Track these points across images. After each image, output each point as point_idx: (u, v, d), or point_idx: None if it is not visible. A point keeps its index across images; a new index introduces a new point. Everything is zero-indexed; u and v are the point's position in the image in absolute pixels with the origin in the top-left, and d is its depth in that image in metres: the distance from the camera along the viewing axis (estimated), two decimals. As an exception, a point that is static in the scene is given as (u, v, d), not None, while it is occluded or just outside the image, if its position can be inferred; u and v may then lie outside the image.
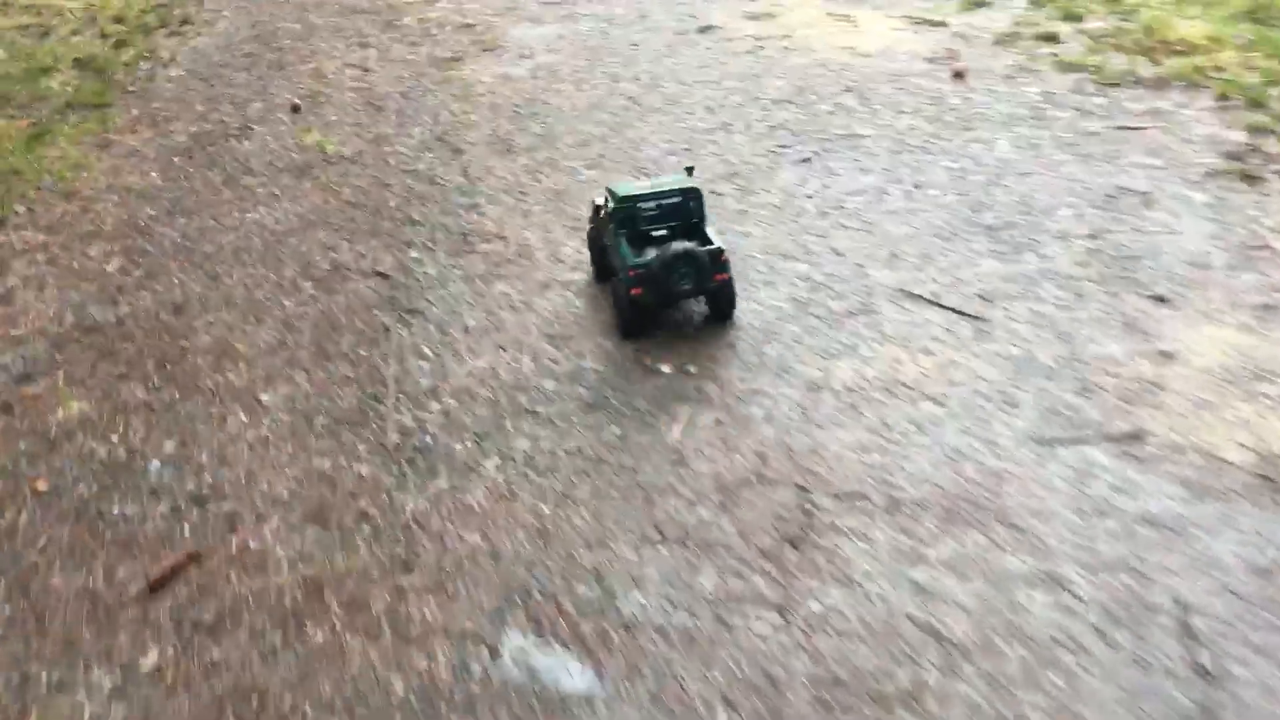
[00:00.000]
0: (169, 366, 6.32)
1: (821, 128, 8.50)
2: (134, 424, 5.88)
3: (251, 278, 7.08)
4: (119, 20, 12.33)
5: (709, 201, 6.74)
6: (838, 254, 6.81)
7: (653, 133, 8.43)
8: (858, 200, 7.40)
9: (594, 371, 5.92)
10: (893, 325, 6.11)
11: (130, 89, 10.49)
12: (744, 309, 6.22)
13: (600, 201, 5.53)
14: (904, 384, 5.66)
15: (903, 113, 8.63)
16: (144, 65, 11.11)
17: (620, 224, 4.96)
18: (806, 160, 7.95)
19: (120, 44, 11.63)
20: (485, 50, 10.68)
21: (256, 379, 6.10)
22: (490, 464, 5.35)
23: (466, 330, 6.34)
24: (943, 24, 10.60)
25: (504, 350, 6.13)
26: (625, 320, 4.93)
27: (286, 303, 6.77)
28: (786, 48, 10.21)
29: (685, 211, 5.06)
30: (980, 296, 6.29)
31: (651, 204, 4.92)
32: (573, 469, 5.27)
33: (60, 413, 6.00)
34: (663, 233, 4.92)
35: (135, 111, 10.02)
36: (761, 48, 10.24)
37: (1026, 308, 6.19)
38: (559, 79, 9.89)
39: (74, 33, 12.02)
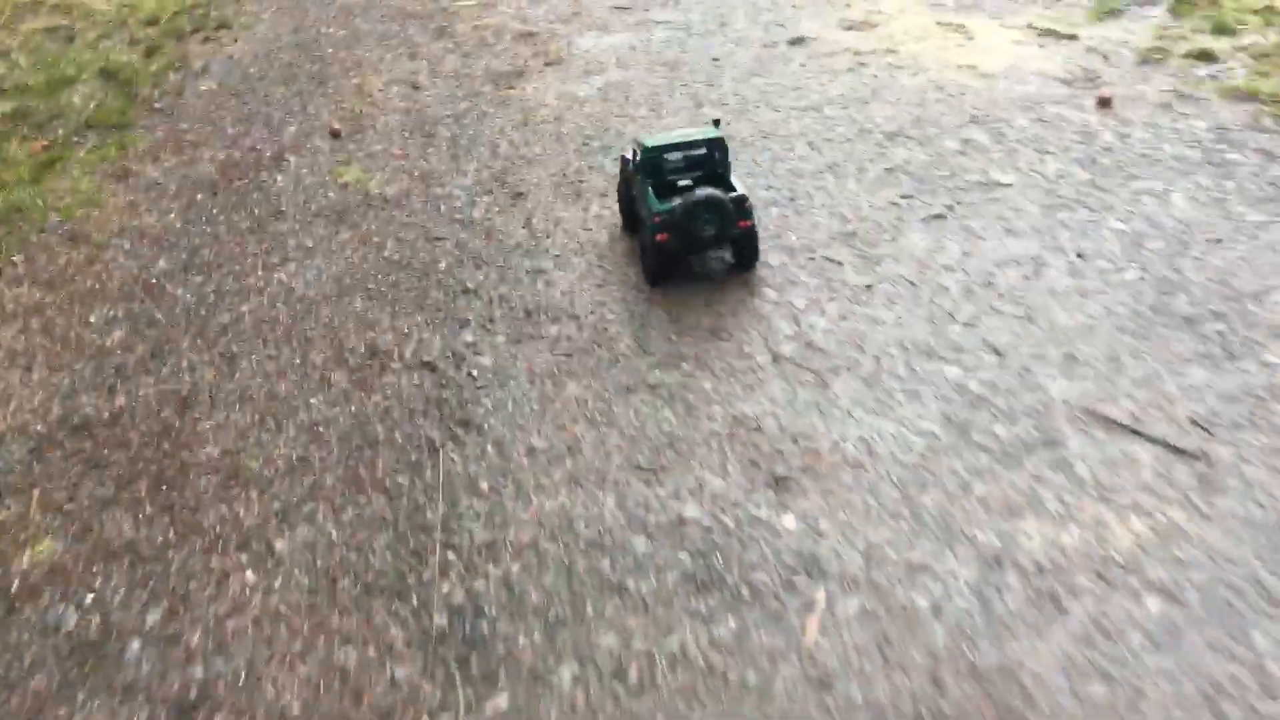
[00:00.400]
0: (166, 489, 4.90)
1: (950, 172, 6.84)
2: (115, 578, 4.45)
3: (273, 362, 5.63)
4: (151, 23, 10.91)
5: (825, 270, 5.19)
6: (997, 352, 5.20)
7: (746, 174, 6.85)
8: (1011, 274, 5.73)
9: (698, 525, 4.44)
10: (1086, 465, 4.51)
11: (157, 105, 9.07)
12: (885, 433, 4.68)
13: (629, 154, 5.32)
14: (1116, 562, 4.07)
15: (1047, 152, 6.96)
16: (173, 76, 9.68)
17: (647, 174, 4.80)
18: (939, 217, 6.26)
19: (151, 51, 10.22)
20: (548, 64, 9.12)
21: (270, 515, 4.65)
22: (566, 672, 3.80)
23: (531, 453, 4.80)
24: (1073, 37, 8.85)
25: (580, 486, 4.59)
26: (652, 267, 4.77)
27: (313, 401, 5.30)
28: (893, 65, 8.54)
29: (711, 162, 4.88)
30: (1196, 423, 4.60)
31: (678, 154, 4.78)
32: (677, 687, 3.74)
33: (27, 555, 4.64)
34: (688, 182, 4.74)
35: (160, 133, 8.60)
36: (864, 65, 8.58)
37: (1261, 442, 4.49)
38: (633, 101, 8.28)
39: (103, 37, 10.63)
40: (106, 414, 5.37)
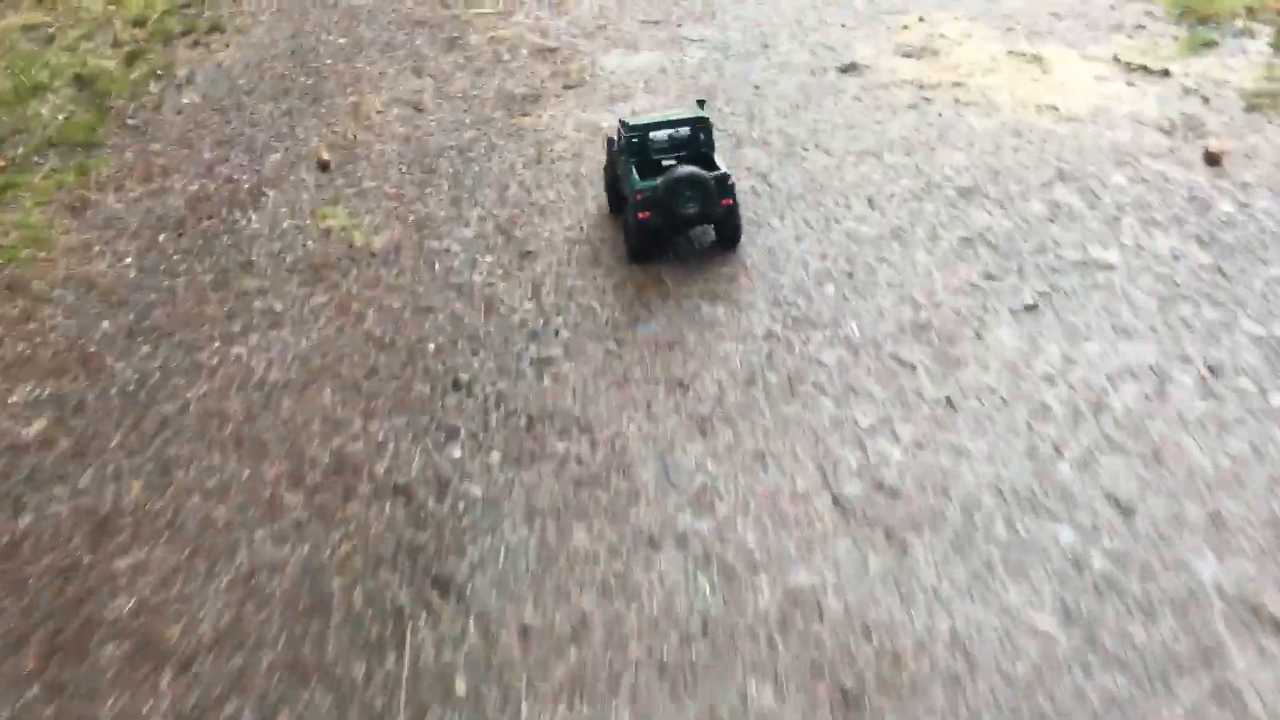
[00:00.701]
0: (60, 658, 3.78)
1: (1040, 245, 5.52)
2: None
3: (215, 476, 4.41)
4: (138, 24, 9.69)
5: (895, 375, 4.04)
6: (1121, 508, 3.91)
7: (794, 236, 5.59)
8: (1127, 392, 4.44)
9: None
10: (1259, 697, 3.35)
11: (130, 121, 7.89)
12: (986, 628, 3.46)
13: (615, 136, 5.01)
14: None
15: (1154, 223, 5.67)
16: (154, 86, 8.51)
17: (631, 153, 4.55)
18: (1031, 307, 4.97)
19: (133, 57, 9.04)
20: (568, 87, 7.90)
21: (182, 715, 3.55)
22: None
23: (525, 635, 3.56)
24: (1165, 73, 7.53)
25: (584, 696, 3.35)
26: (633, 244, 4.51)
27: (258, 536, 4.08)
28: (961, 101, 7.26)
29: (696, 142, 4.63)
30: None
31: (662, 134, 4.54)
32: None
33: None
34: (672, 162, 4.47)
35: (129, 155, 7.43)
36: (927, 100, 7.30)
37: None
38: None
39: (84, 38, 9.42)
40: (6, 538, 4.24)
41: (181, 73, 8.59)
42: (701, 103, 5.13)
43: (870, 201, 6.02)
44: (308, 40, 9.05)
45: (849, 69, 7.78)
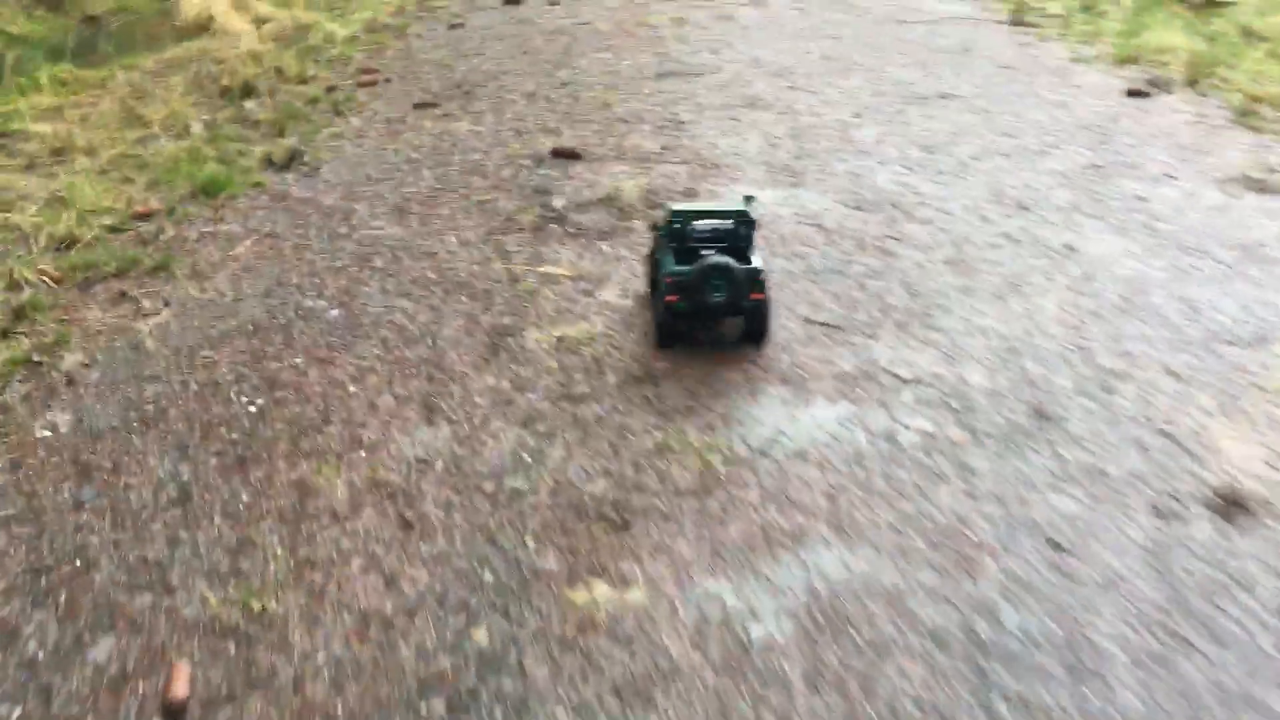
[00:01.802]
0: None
1: None
2: None
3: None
4: (64, 245, 6.09)
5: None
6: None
7: None
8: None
9: None
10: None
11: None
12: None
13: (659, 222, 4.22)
14: None
15: None
16: (21, 384, 4.79)
17: (670, 239, 3.93)
18: None
19: (18, 316, 5.41)
20: (689, 496, 3.87)
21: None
22: None
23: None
24: None
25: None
26: (661, 329, 3.91)
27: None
28: None
29: (735, 236, 3.95)
30: None
31: (704, 224, 3.90)
32: None
33: None
34: (710, 252, 3.83)
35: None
36: None
37: None
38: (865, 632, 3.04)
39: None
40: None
41: (72, 361, 4.88)
42: (749, 198, 4.09)
43: None
44: (284, 308, 5.25)
45: (1230, 504, 3.67)
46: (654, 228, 4.22)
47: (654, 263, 4.20)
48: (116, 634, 3.16)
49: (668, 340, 3.90)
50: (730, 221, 4.00)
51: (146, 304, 5.26)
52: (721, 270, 3.61)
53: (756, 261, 3.85)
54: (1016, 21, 10.05)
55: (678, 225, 3.89)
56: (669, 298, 3.63)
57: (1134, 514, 3.51)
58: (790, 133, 7.25)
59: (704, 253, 3.79)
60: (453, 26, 10.61)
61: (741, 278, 3.62)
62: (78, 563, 3.45)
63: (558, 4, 11.35)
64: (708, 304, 3.66)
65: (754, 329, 3.99)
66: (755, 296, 3.74)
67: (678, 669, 2.93)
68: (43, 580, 3.39)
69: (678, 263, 3.79)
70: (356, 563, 3.42)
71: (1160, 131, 7.15)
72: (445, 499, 3.72)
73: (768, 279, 3.91)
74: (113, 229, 6.05)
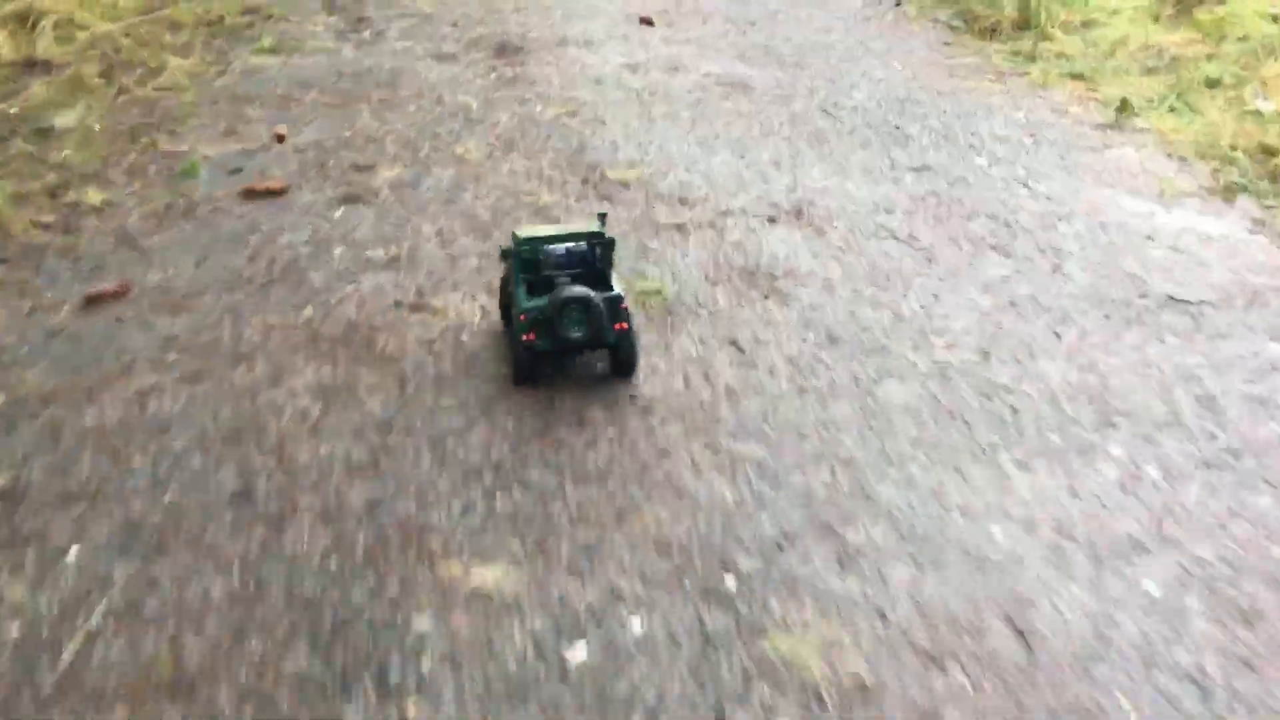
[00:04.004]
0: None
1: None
2: None
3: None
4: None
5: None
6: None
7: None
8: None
9: None
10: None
11: None
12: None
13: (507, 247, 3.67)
14: None
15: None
16: None
17: (521, 268, 3.44)
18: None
19: None
20: None
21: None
22: None
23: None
24: None
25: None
26: (517, 367, 3.39)
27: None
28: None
29: (591, 259, 3.48)
30: None
31: (556, 249, 3.45)
32: None
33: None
34: (565, 279, 3.39)
35: None
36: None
37: None
38: None
39: None
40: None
41: None
42: (603, 216, 3.80)
43: None
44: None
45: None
46: (504, 255, 3.73)
47: (506, 293, 3.76)
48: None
49: (524, 379, 3.52)
50: (584, 244, 3.61)
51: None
52: (579, 302, 3.32)
53: (618, 287, 3.49)
54: None
55: (526, 252, 3.53)
56: (526, 336, 3.34)
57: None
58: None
59: (559, 281, 3.49)
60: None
61: (602, 309, 3.31)
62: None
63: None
64: (568, 339, 3.34)
65: (622, 363, 3.54)
66: (620, 327, 3.39)
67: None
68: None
69: (531, 294, 3.45)
70: None
71: None
72: None
73: (630, 307, 3.49)
74: None
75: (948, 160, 4.58)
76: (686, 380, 3.07)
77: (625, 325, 3.34)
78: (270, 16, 6.54)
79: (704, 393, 3.00)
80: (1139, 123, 4.97)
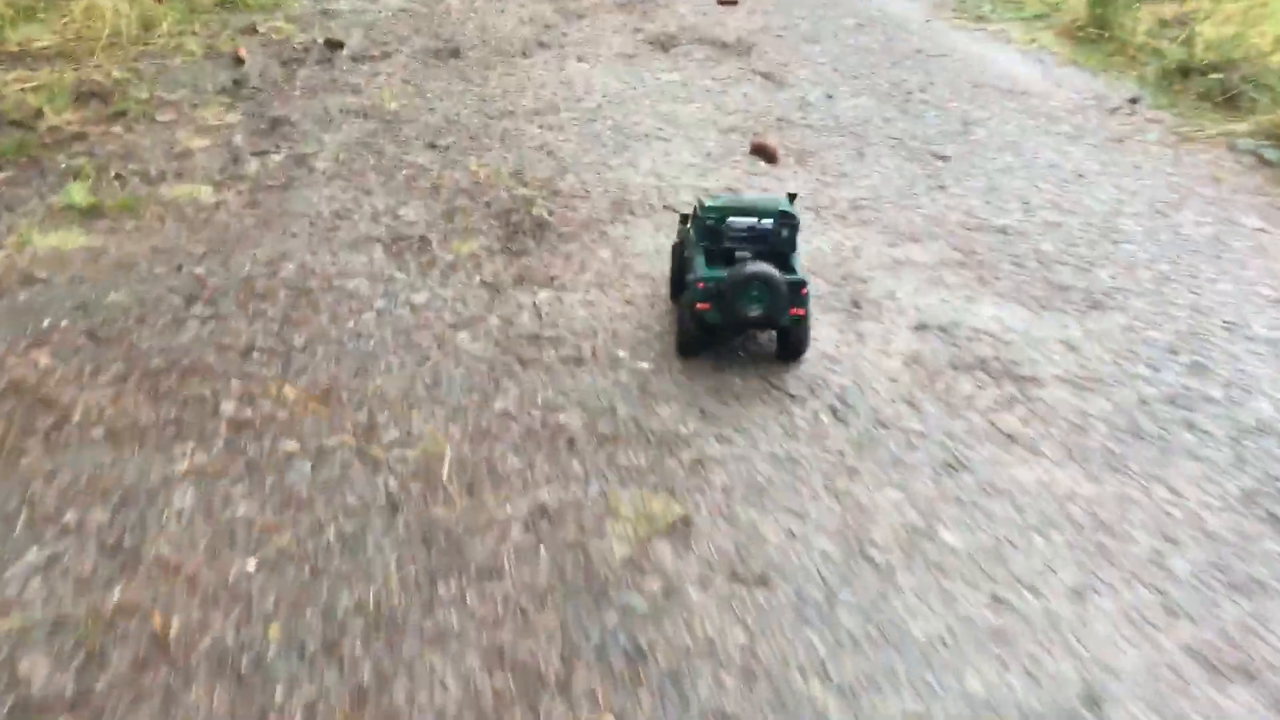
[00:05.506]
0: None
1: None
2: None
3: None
4: None
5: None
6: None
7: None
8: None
9: None
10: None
11: None
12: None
13: (690, 213, 3.80)
14: None
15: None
16: None
17: (702, 237, 3.46)
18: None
19: None
20: None
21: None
22: None
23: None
24: None
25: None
26: (684, 337, 3.44)
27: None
28: None
29: (777, 237, 3.50)
30: None
31: (741, 221, 3.45)
32: None
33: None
34: (746, 255, 3.42)
35: None
36: None
37: None
38: None
39: None
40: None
41: None
42: (793, 196, 3.64)
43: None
44: None
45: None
46: (683, 219, 3.87)
47: (681, 259, 3.80)
48: None
49: (690, 351, 3.57)
50: (771, 221, 3.58)
51: None
52: (763, 280, 3.33)
53: (799, 270, 3.50)
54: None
55: (711, 221, 3.51)
56: (699, 305, 3.34)
57: None
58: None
59: (740, 255, 3.47)
60: None
61: (784, 290, 3.31)
62: None
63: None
64: (742, 317, 3.33)
65: (791, 347, 3.58)
66: (796, 312, 3.39)
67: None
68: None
69: (710, 265, 3.46)
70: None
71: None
72: None
73: (810, 293, 3.58)
74: None
75: None
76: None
77: (802, 311, 3.35)
78: (123, 113, 3.84)
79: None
80: None
